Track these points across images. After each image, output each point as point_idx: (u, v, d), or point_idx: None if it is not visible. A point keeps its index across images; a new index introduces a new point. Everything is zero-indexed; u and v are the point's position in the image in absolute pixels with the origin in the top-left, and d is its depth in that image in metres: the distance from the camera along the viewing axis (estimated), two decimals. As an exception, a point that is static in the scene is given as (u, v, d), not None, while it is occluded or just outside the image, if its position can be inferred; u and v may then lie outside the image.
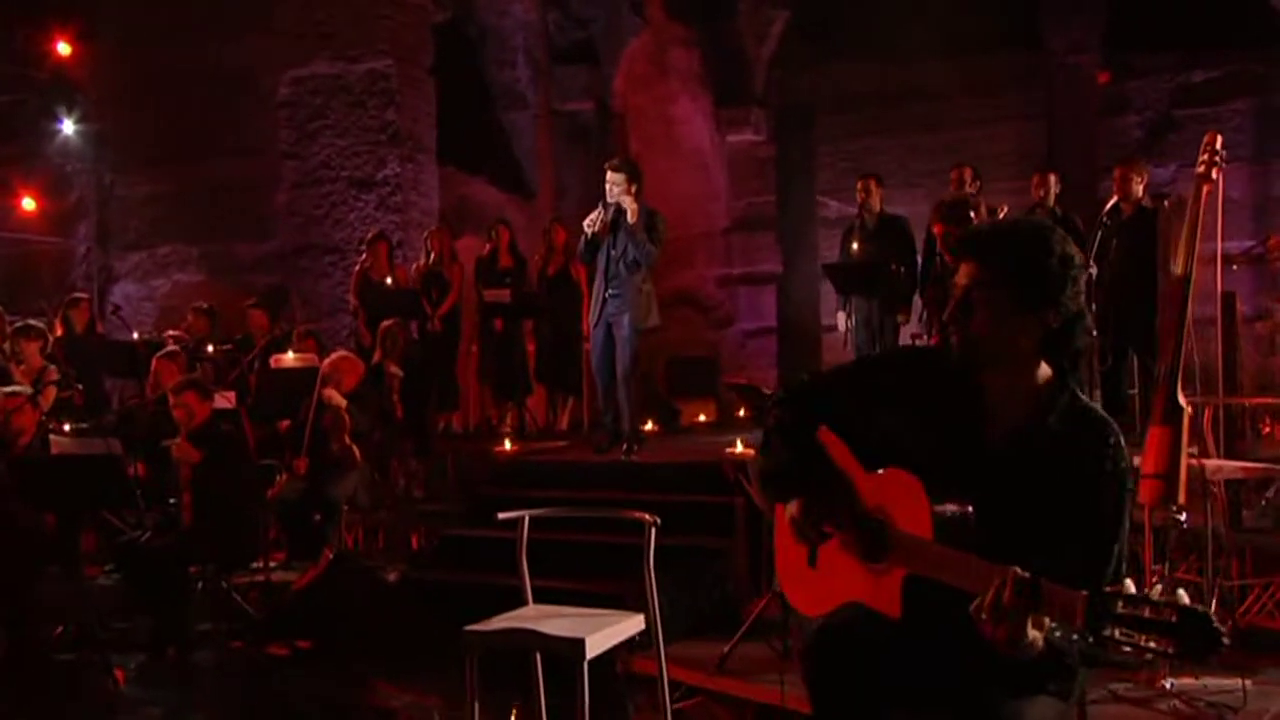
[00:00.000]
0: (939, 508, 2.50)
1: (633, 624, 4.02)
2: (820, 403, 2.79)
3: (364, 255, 9.31)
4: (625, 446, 7.51)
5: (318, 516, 7.29)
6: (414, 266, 9.42)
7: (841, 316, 8.41)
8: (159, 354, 7.45)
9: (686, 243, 14.15)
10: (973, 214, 4.70)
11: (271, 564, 7.09)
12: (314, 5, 11.12)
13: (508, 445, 7.86)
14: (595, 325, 7.50)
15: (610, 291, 7.42)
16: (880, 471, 2.63)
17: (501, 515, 4.31)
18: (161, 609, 6.33)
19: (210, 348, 8.47)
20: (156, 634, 6.32)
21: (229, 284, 11.70)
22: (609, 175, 7.38)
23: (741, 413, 10.01)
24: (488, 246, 9.29)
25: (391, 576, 7.19)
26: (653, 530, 4.07)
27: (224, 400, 6.88)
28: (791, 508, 2.74)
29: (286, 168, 11.59)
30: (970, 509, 2.50)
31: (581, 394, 9.40)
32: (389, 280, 9.03)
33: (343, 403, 7.31)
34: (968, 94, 13.72)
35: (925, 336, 8.68)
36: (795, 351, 13.47)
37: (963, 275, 2.63)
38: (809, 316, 13.56)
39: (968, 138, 13.96)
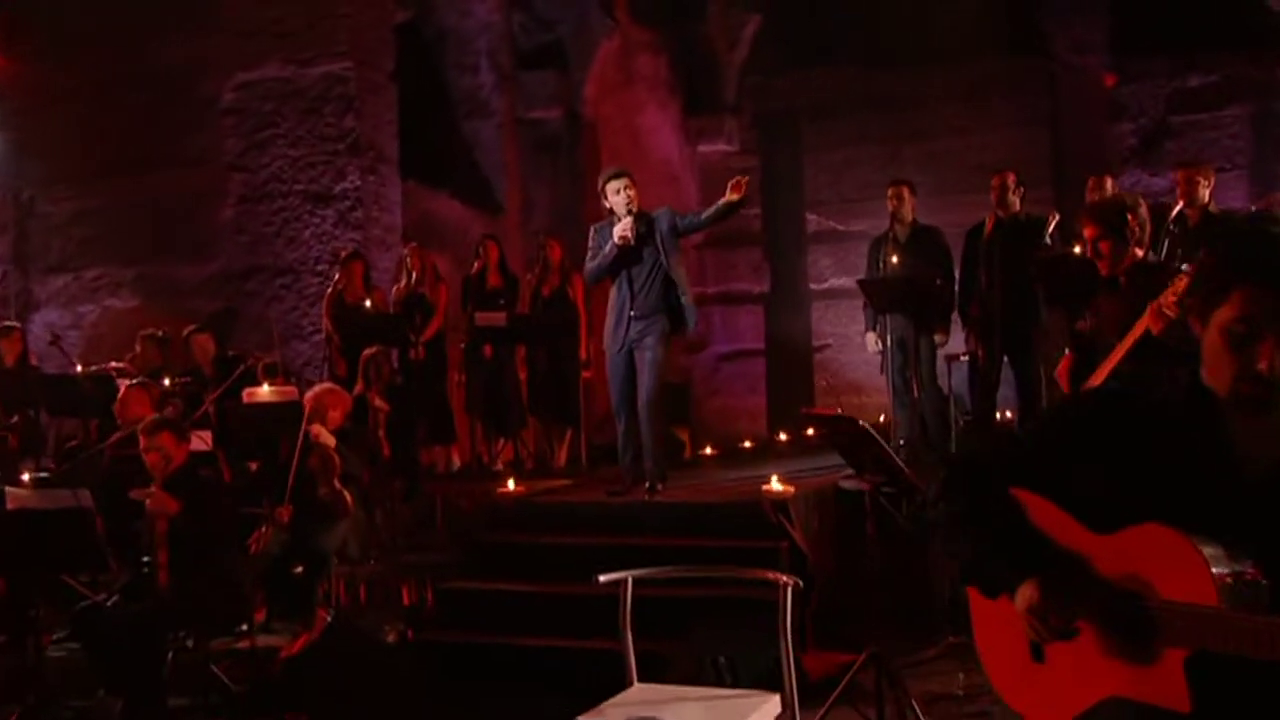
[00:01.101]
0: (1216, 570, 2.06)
1: (769, 708, 3.48)
2: (1007, 472, 2.38)
3: (337, 276, 8.68)
4: (649, 484, 6.98)
5: (299, 569, 6.66)
6: (394, 288, 8.82)
7: (871, 337, 7.99)
8: (131, 384, 6.77)
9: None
10: (1130, 217, 4.29)
11: (250, 626, 6.42)
12: (265, 1, 10.48)
13: (511, 485, 7.28)
14: (617, 351, 6.97)
15: (635, 312, 6.89)
16: (1119, 532, 2.19)
17: (603, 578, 3.74)
18: (132, 684, 5.68)
19: (167, 381, 7.78)
20: (126, 714, 5.65)
21: (167, 310, 10.98)
22: (615, 184, 6.92)
23: (782, 436, 9.58)
24: (476, 264, 8.72)
25: (390, 638, 6.59)
26: (789, 592, 3.53)
27: (200, 441, 6.23)
28: (1021, 600, 2.26)
29: (233, 181, 10.93)
30: (1250, 563, 2.09)
31: (580, 427, 8.85)
32: (368, 303, 8.42)
33: (331, 441, 6.72)
34: (957, 100, 13.44)
35: (966, 357, 8.32)
36: (786, 376, 13.03)
37: (1238, 307, 2.10)
38: (800, 338, 13.15)
39: (956, 146, 13.71)
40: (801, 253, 13.67)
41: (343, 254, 8.96)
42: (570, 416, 8.71)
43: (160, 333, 8.69)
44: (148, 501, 5.77)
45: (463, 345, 8.91)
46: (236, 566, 6.09)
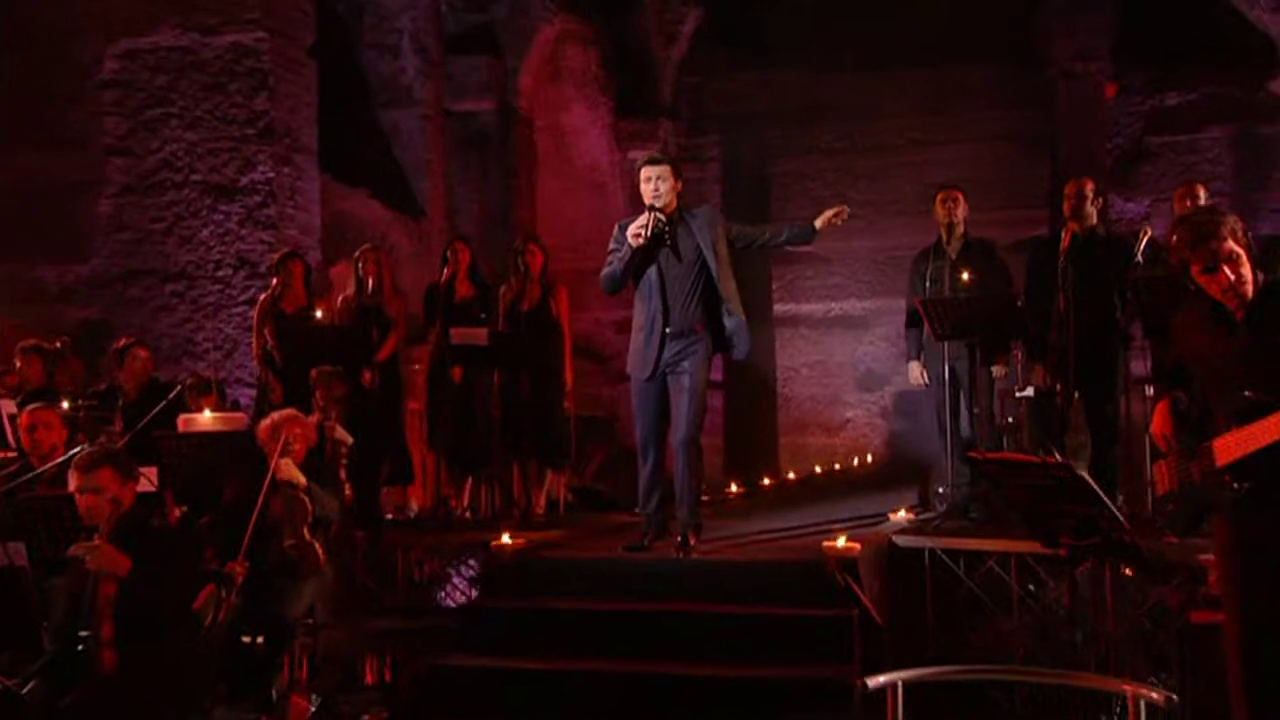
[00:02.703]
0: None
1: None
2: None
3: (274, 281, 7.68)
4: (681, 538, 6.20)
5: (255, 641, 5.71)
6: (340, 298, 7.86)
7: (915, 367, 7.37)
8: (32, 406, 5.67)
9: (579, 279, 12.91)
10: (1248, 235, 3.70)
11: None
12: (159, -46, 9.47)
13: (507, 539, 6.41)
14: (646, 377, 6.20)
15: (671, 329, 6.13)
16: None
17: (872, 682, 2.95)
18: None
19: (65, 404, 6.65)
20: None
21: (27, 318, 9.73)
22: (648, 171, 6.17)
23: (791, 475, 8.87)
24: (445, 271, 7.80)
25: (376, 729, 5.67)
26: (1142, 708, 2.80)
27: (144, 480, 5.21)
28: None
29: (113, 167, 9.86)
30: None
31: (563, 464, 8.01)
32: (318, 313, 7.43)
33: (302, 480, 5.77)
34: (922, 111, 13.12)
35: (1026, 392, 7.77)
36: (748, 409, 12.37)
37: None
38: (765, 367, 12.52)
39: (919, 160, 13.38)
40: (763, 273, 13.09)
41: (276, 255, 7.96)
42: (554, 455, 7.86)
43: (58, 344, 7.52)
44: (88, 559, 4.75)
45: (417, 367, 7.98)
46: (201, 642, 5.10)
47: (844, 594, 5.88)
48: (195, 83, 9.73)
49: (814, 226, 6.29)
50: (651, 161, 6.21)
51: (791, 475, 10.38)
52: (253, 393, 8.70)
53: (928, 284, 7.19)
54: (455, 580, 6.99)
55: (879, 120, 13.27)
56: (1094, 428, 6.90)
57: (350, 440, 6.69)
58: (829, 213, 6.22)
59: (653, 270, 6.19)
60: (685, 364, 6.17)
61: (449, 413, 7.75)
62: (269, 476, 5.70)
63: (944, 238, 7.30)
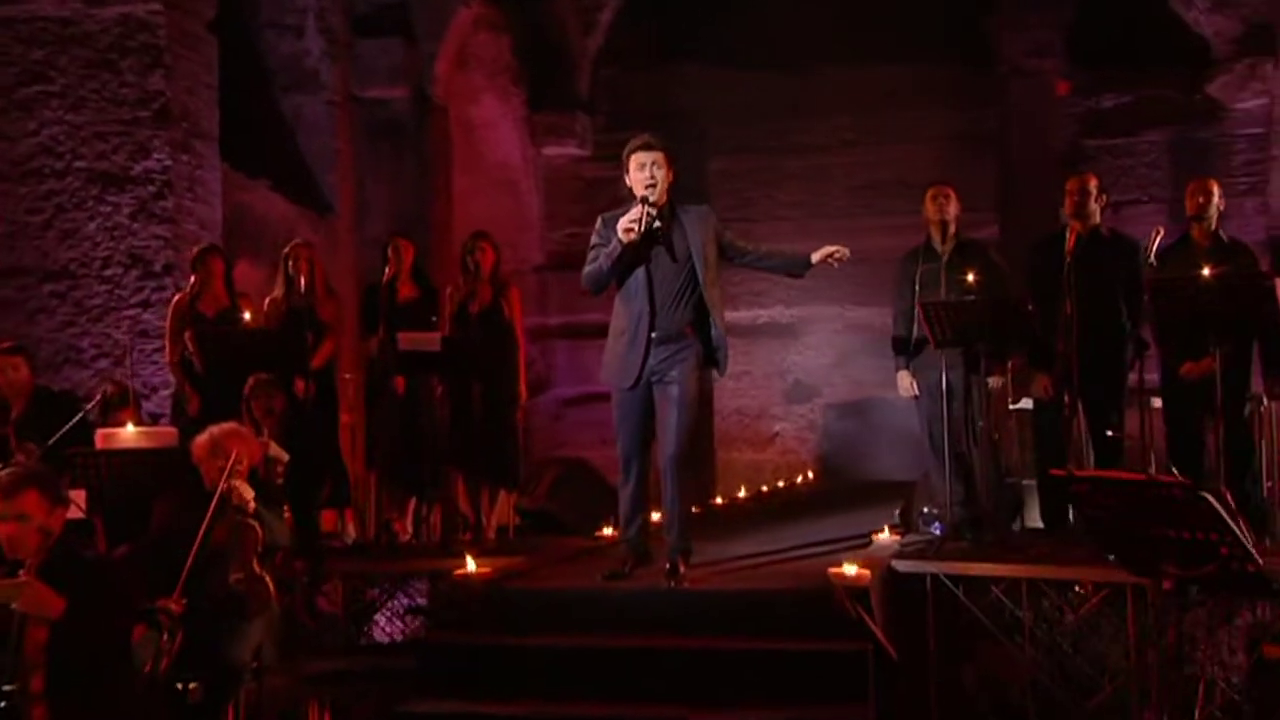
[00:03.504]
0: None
1: None
2: None
3: (192, 279, 7.07)
4: (670, 565, 5.79)
5: (191, 687, 5.17)
6: (266, 300, 7.28)
7: (905, 378, 7.07)
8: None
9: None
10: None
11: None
12: (37, -92, 8.76)
13: (471, 567, 5.92)
14: (629, 386, 5.80)
15: (658, 333, 5.73)
16: None
17: None
18: None
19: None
20: None
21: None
22: (641, 157, 5.76)
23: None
24: (386, 271, 7.25)
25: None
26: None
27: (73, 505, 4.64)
28: None
29: (-21, 152, 9.01)
30: None
31: (516, 484, 7.52)
32: (246, 315, 6.84)
33: (252, 503, 5.25)
34: (855, 110, 12.94)
35: (1021, 405, 7.54)
36: None
37: None
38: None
39: (851, 161, 13.21)
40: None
41: (194, 251, 7.35)
42: (508, 473, 7.37)
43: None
44: (16, 601, 4.17)
45: (348, 376, 7.43)
46: (138, 695, 4.55)
47: (855, 626, 5.53)
48: (79, 59, 8.99)
49: (808, 259, 5.92)
50: (645, 147, 5.79)
51: (742, 493, 10.03)
52: (148, 405, 8.06)
53: (917, 288, 6.90)
54: (405, 613, 6.51)
55: (811, 119, 13.05)
56: (1098, 440, 6.67)
57: (286, 458, 6.14)
58: (828, 249, 5.85)
59: (641, 269, 5.77)
60: (673, 372, 5.78)
61: (391, 427, 7.22)
62: (215, 500, 5.16)
63: (934, 237, 7.03)
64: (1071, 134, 12.92)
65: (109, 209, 8.98)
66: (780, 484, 11.00)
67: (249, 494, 5.31)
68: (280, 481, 5.98)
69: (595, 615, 5.76)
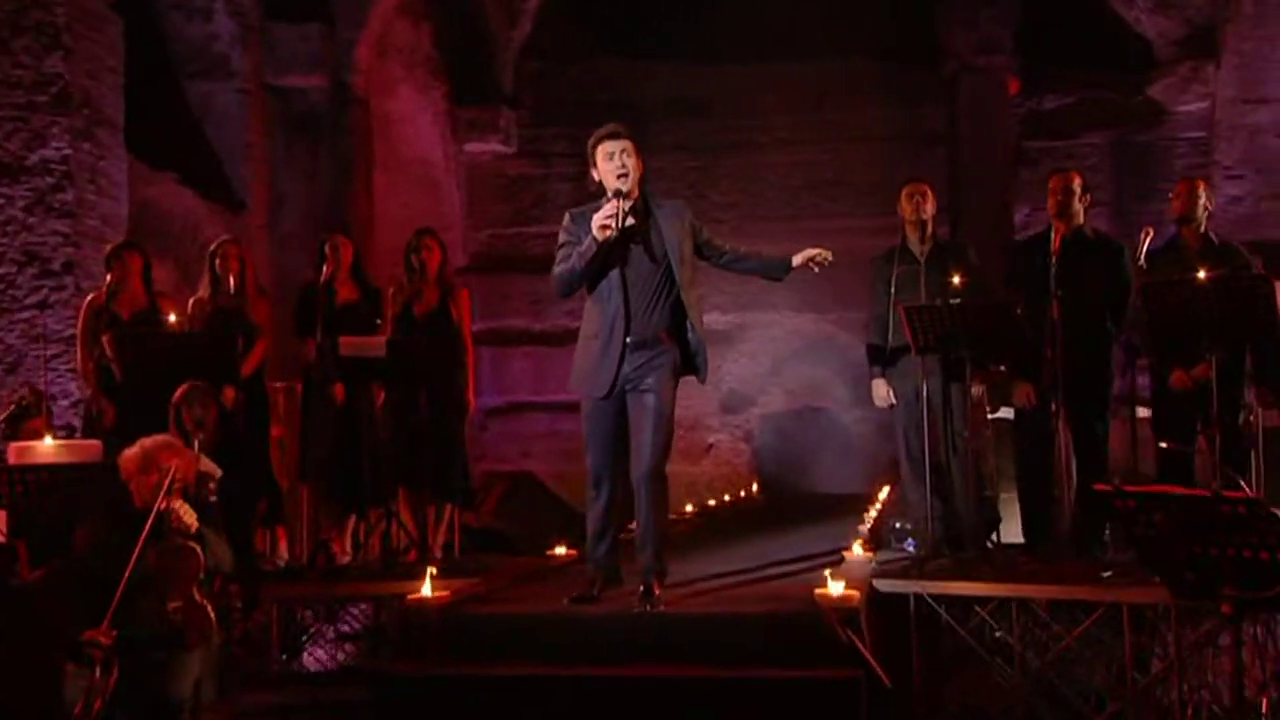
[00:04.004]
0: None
1: None
2: None
3: (108, 278, 6.64)
4: (644, 588, 5.51)
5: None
6: (191, 301, 6.87)
7: (881, 386, 6.86)
8: None
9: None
10: None
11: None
12: None
13: (428, 589, 5.59)
14: (602, 395, 5.52)
15: (633, 337, 5.47)
16: None
17: None
18: None
19: None
20: None
21: None
22: (609, 147, 5.46)
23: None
24: (324, 270, 6.87)
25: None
26: None
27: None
28: None
29: None
30: None
31: (464, 500, 7.18)
32: (172, 317, 6.43)
33: (195, 524, 4.89)
34: (801, 108, 12.81)
35: (1000, 414, 7.38)
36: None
37: None
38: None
39: (787, 161, 13.07)
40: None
41: (108, 247, 6.92)
42: (456, 488, 7.03)
43: None
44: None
45: (277, 384, 7.03)
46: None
47: (845, 651, 5.30)
48: (-35, 37, 8.53)
49: (789, 263, 5.68)
50: (612, 135, 5.50)
51: (689, 508, 9.79)
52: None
53: (893, 291, 6.70)
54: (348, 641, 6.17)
55: (747, 116, 12.86)
56: (1082, 452, 6.53)
57: (219, 473, 5.76)
58: (810, 253, 5.61)
59: (615, 269, 5.50)
60: (649, 380, 5.50)
61: (327, 439, 6.85)
62: (150, 520, 4.79)
63: (910, 238, 6.85)
64: (1013, 135, 12.93)
65: (1, 201, 8.53)
66: (727, 498, 10.77)
67: (190, 515, 4.95)
68: (213, 499, 5.59)
69: (563, 642, 5.43)
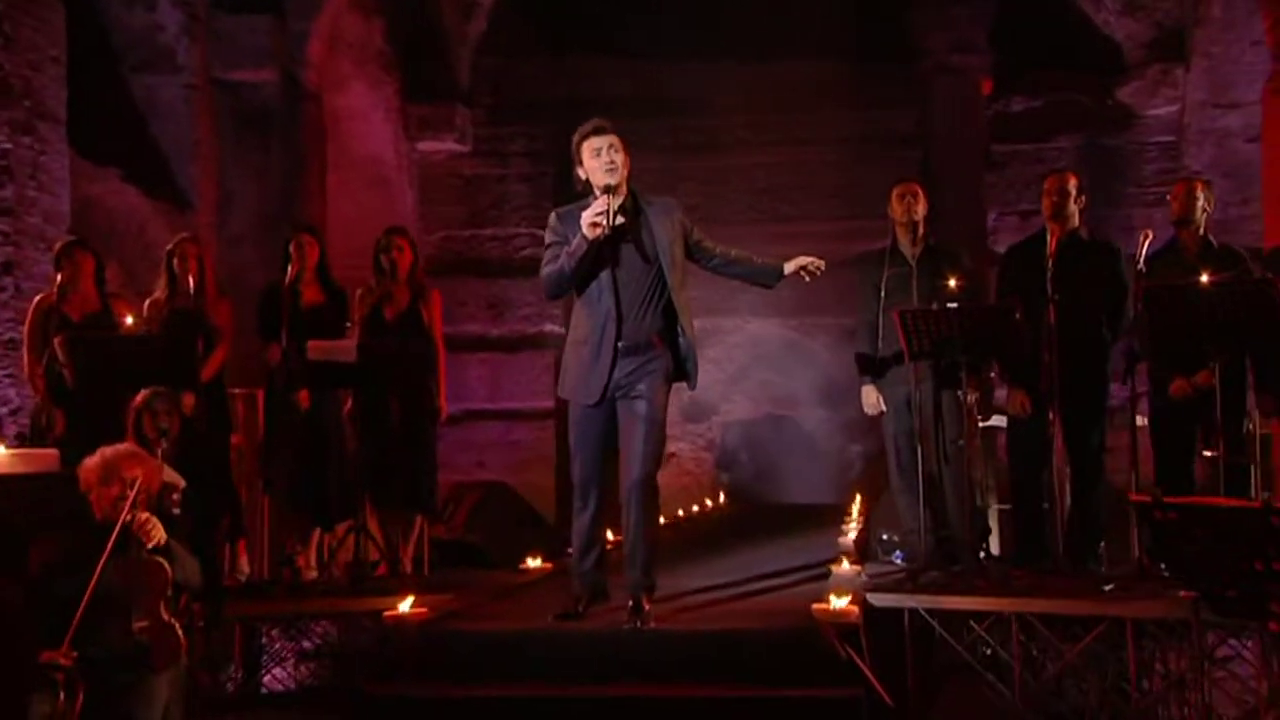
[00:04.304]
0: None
1: None
2: None
3: (58, 278, 6.40)
4: (634, 604, 5.39)
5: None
6: (146, 303, 6.65)
7: (871, 393, 6.76)
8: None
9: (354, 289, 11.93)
10: None
11: None
12: None
13: (405, 606, 5.41)
14: (592, 402, 5.42)
15: (625, 341, 5.35)
16: None
17: None
18: None
19: None
20: None
21: None
22: (596, 142, 5.37)
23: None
24: (290, 270, 6.66)
25: None
26: None
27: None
28: None
29: None
30: None
31: (435, 511, 7.00)
32: (129, 319, 6.20)
33: (161, 538, 4.69)
34: (766, 107, 12.70)
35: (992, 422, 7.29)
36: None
37: None
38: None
39: (750, 163, 12.97)
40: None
41: (58, 245, 6.68)
42: (428, 499, 6.85)
43: None
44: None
45: (235, 391, 6.81)
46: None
47: (845, 669, 5.19)
48: (-109, 24, 8.22)
49: (780, 270, 5.58)
50: (598, 131, 5.39)
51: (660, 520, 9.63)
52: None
53: (883, 295, 6.61)
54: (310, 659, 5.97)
55: (709, 117, 12.74)
56: (1078, 461, 6.46)
57: (182, 484, 5.54)
58: (803, 260, 5.52)
59: (605, 271, 5.36)
60: (640, 386, 5.40)
61: (292, 448, 6.64)
62: (115, 534, 4.58)
63: (901, 240, 6.76)
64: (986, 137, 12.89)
65: (-68, 199, 8.24)
66: (696, 509, 10.61)
67: (157, 528, 4.75)
68: (176, 511, 5.37)
69: (550, 661, 5.32)
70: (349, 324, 6.74)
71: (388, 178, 12.88)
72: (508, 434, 12.68)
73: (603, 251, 5.33)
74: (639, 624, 5.32)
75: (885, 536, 7.20)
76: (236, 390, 7.18)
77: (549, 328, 12.79)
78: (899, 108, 12.50)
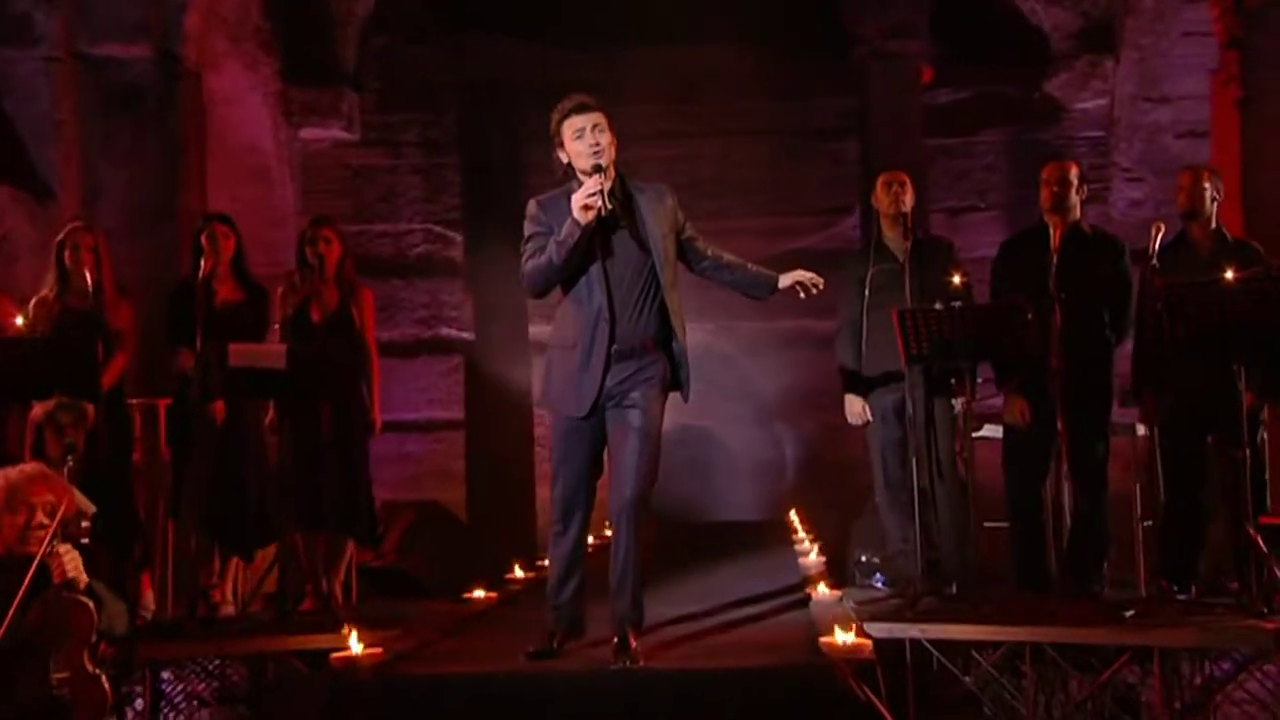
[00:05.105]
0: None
1: None
2: None
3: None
4: (619, 640, 4.99)
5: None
6: (34, 300, 6.06)
7: (856, 403, 6.46)
8: None
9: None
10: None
11: None
12: None
13: (356, 647, 4.92)
14: (580, 412, 5.05)
15: (619, 344, 4.99)
16: None
17: None
18: None
19: None
20: None
21: None
22: (579, 121, 5.05)
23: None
24: (203, 264, 6.10)
25: None
26: None
27: None
28: None
29: None
30: None
31: (369, 536, 6.48)
32: (19, 320, 5.61)
33: (84, 577, 4.19)
34: (683, 97, 12.40)
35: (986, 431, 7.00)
36: (495, 456, 11.00)
37: None
38: (516, 401, 11.21)
39: (667, 155, 12.60)
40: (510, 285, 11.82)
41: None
42: (361, 522, 6.34)
43: None
44: None
45: (134, 402, 6.23)
46: None
47: (862, 711, 4.84)
48: None
49: (776, 282, 5.26)
50: (580, 108, 5.05)
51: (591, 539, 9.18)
52: None
53: (867, 293, 6.31)
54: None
55: (623, 105, 12.27)
56: (1081, 472, 6.22)
57: (92, 509, 5.00)
58: (801, 275, 5.22)
59: (595, 265, 4.98)
60: (635, 394, 5.04)
61: (206, 467, 6.08)
62: (32, 571, 4.07)
63: (888, 233, 6.48)
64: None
65: None
66: (609, 533, 10.06)
67: (76, 562, 4.23)
68: (85, 541, 4.82)
69: (526, 707, 4.85)
70: (268, 326, 6.22)
71: (266, 168, 12.22)
72: (400, 447, 12.06)
73: (592, 243, 4.94)
74: (627, 662, 4.92)
75: (864, 558, 6.90)
76: (134, 401, 6.59)
77: (446, 331, 12.28)
78: (831, 97, 12.25)
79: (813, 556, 7.65)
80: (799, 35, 12.06)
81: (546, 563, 5.69)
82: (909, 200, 6.45)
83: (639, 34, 12.14)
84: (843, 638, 5.02)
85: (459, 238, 12.45)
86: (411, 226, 12.57)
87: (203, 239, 6.24)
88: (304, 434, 6.15)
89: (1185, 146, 12.04)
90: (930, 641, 5.60)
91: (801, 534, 8.45)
